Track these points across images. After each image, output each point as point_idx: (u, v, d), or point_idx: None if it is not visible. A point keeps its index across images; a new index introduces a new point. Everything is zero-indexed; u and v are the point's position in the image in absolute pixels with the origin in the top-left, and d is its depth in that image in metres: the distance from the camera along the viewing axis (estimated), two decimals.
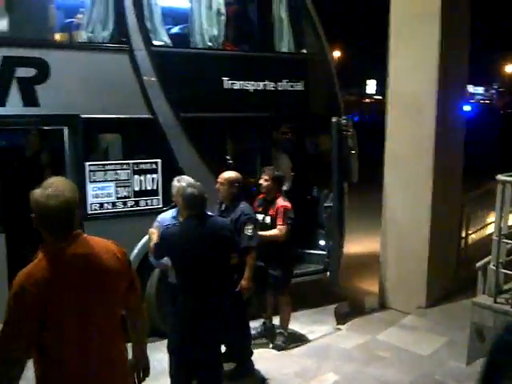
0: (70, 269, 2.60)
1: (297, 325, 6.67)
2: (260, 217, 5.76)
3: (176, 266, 4.26)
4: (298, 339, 6.29)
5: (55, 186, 2.59)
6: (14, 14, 5.49)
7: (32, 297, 2.53)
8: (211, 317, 4.12)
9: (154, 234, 4.67)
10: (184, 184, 4.76)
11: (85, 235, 2.71)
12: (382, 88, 35.30)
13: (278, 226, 5.70)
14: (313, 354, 5.91)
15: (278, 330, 6.21)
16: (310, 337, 6.39)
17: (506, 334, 1.63)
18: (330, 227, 6.80)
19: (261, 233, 5.48)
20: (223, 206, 5.47)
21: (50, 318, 2.57)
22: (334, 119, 6.44)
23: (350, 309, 7.08)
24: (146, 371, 3.07)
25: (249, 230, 5.15)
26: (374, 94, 37.31)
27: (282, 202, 5.79)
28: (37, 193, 2.57)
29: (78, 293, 2.62)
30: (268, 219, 5.77)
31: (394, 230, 6.98)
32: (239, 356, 5.42)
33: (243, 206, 5.31)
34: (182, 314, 4.15)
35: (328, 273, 6.95)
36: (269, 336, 6.22)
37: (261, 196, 5.97)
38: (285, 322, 6.18)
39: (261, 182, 5.86)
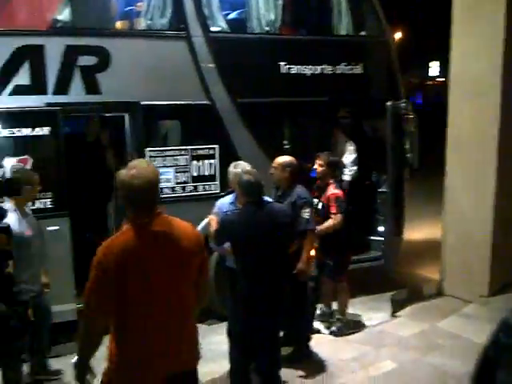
0: (150, 243, 2.75)
1: (354, 311, 6.63)
2: (316, 202, 5.73)
3: (236, 251, 4.28)
4: (356, 325, 6.24)
5: (138, 168, 2.76)
6: (76, 3, 5.64)
7: (113, 264, 2.67)
8: (270, 301, 4.14)
9: (213, 220, 4.75)
10: (240, 170, 4.78)
11: (165, 215, 2.84)
12: (445, 70, 34.29)
13: (332, 216, 5.65)
14: (370, 340, 5.86)
15: (336, 316, 6.19)
16: (367, 323, 6.33)
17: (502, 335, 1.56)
18: (385, 213, 6.68)
19: (318, 228, 5.45)
20: (280, 191, 5.47)
21: (129, 289, 2.70)
22: (389, 103, 6.29)
23: (408, 296, 6.96)
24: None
25: (306, 214, 5.11)
26: (438, 76, 36.20)
27: (332, 189, 5.71)
28: (122, 173, 2.77)
29: (157, 265, 2.75)
30: (320, 205, 5.73)
31: (456, 216, 6.78)
32: (297, 340, 5.44)
33: (300, 189, 5.26)
34: (242, 299, 4.18)
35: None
36: (326, 322, 6.21)
37: (318, 181, 5.92)
38: (342, 309, 6.15)
39: (315, 166, 5.81)
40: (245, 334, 4.19)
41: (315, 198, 5.75)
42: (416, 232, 7.95)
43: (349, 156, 7.05)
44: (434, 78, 36.05)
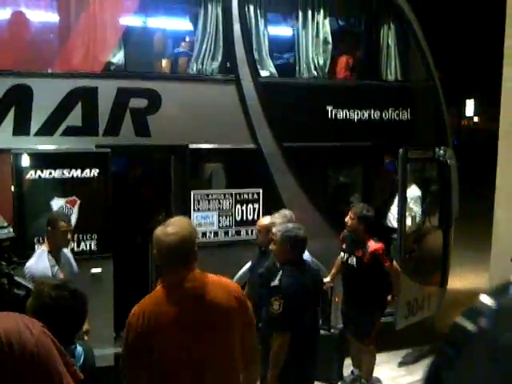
0: (179, 305, 2.65)
1: (395, 365, 6.41)
2: (343, 255, 5.57)
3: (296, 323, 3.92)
4: (397, 381, 6.03)
5: (175, 225, 2.73)
6: (129, 47, 5.72)
7: (140, 327, 2.61)
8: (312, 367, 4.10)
9: None
10: (285, 222, 4.68)
11: (200, 272, 2.74)
12: (480, 109, 33.83)
13: (395, 264, 5.55)
14: None
15: (361, 380, 5.77)
16: (409, 379, 6.09)
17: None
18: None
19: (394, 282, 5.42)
20: (262, 249, 5.24)
21: (153, 351, 2.61)
22: (400, 150, 6.09)
23: None
24: None
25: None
26: (474, 115, 35.69)
27: (374, 244, 5.43)
28: (158, 230, 2.73)
29: (185, 330, 2.62)
30: (354, 260, 5.46)
31: (505, 267, 6.55)
32: None
33: None
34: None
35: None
36: None
37: (346, 231, 5.65)
38: (368, 375, 5.77)
39: (346, 219, 5.53)
40: None
41: (343, 251, 5.60)
42: (462, 281, 7.70)
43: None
44: (469, 117, 35.64)
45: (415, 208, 6.69)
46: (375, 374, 5.88)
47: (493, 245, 6.76)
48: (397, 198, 6.86)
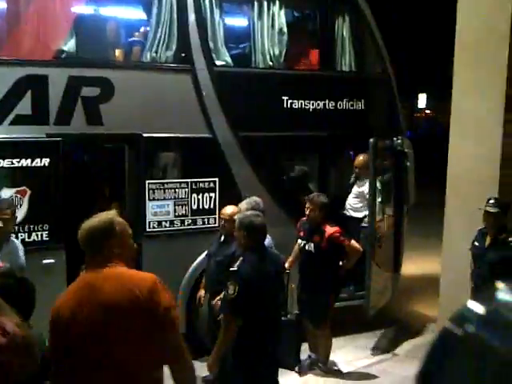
0: (76, 299, 2.58)
1: (352, 349, 6.53)
2: (300, 242, 5.65)
3: (251, 308, 3.90)
4: (353, 364, 6.14)
5: (98, 215, 2.70)
6: (81, 34, 5.59)
7: (51, 317, 2.60)
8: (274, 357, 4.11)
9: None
10: (245, 210, 4.73)
11: (110, 266, 2.59)
12: (432, 102, 34.69)
13: (353, 243, 5.64)
14: (369, 380, 5.75)
15: (319, 364, 5.92)
16: (365, 362, 6.23)
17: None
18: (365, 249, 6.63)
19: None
20: (222, 238, 5.36)
21: (55, 343, 2.59)
22: (371, 139, 6.16)
23: (407, 334, 6.89)
24: None
25: None
26: (425, 108, 36.67)
27: (330, 228, 5.54)
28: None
29: (78, 326, 2.53)
30: (312, 246, 5.54)
31: (455, 254, 6.71)
32: None
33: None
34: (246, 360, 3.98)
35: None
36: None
37: (304, 218, 5.72)
38: (325, 357, 5.90)
39: (307, 211, 5.58)
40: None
41: (300, 238, 5.67)
42: (413, 267, 7.88)
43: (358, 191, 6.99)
44: (422, 109, 36.59)
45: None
46: (332, 357, 5.98)
47: (444, 231, 6.94)
48: (354, 187, 7.00)
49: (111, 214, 2.74)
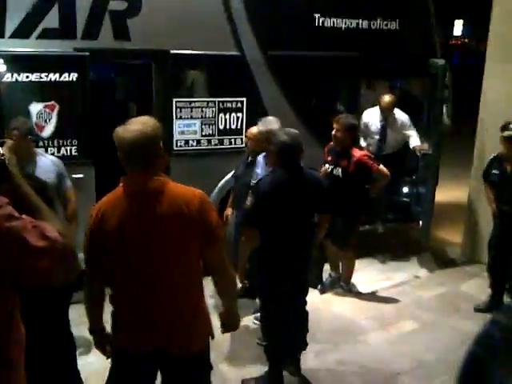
0: (124, 210, 2.58)
1: (375, 271, 6.64)
2: (328, 167, 5.57)
3: (269, 221, 3.92)
4: (375, 285, 6.24)
5: (136, 122, 2.58)
6: None
7: (93, 224, 2.62)
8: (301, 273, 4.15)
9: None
10: (274, 128, 4.67)
11: (161, 179, 2.59)
12: (469, 30, 33.26)
13: (382, 168, 5.54)
14: (391, 300, 5.87)
15: (340, 283, 6.06)
16: (387, 283, 6.33)
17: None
18: (426, 176, 6.53)
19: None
20: (249, 159, 5.35)
21: (109, 252, 2.62)
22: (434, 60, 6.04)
23: (431, 259, 6.95)
24: (231, 328, 3.03)
25: None
26: (461, 36, 35.23)
27: (358, 152, 5.46)
28: (119, 127, 2.59)
29: (126, 237, 2.57)
30: (339, 171, 5.47)
31: (481, 187, 6.60)
32: None
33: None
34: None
35: (420, 223, 6.80)
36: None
37: (332, 143, 5.62)
38: (347, 278, 6.01)
39: (333, 132, 5.47)
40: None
41: (328, 163, 5.59)
42: (442, 194, 7.80)
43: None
44: (458, 37, 35.14)
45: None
46: (353, 279, 6.08)
47: (474, 159, 6.85)
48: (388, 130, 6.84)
49: (152, 121, 2.62)
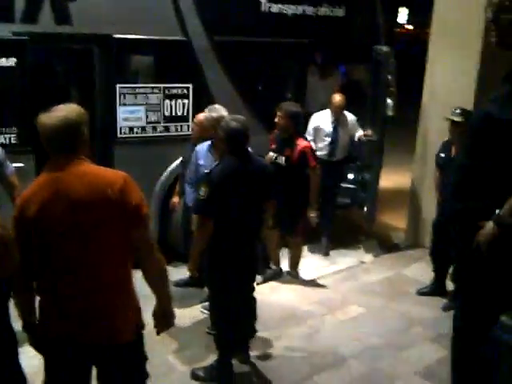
0: (44, 197, 2.52)
1: (320, 257, 6.72)
2: (272, 155, 5.55)
3: (225, 210, 3.88)
4: (321, 270, 6.32)
5: (60, 109, 2.57)
6: None
7: (16, 212, 2.58)
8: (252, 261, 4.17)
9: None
10: (221, 115, 4.63)
11: (84, 163, 2.58)
12: (414, 17, 33.86)
13: (312, 168, 5.53)
14: (337, 286, 5.95)
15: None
16: (333, 268, 6.42)
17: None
18: (370, 162, 6.61)
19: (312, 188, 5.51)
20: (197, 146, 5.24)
21: (28, 238, 2.56)
22: (377, 46, 6.08)
23: (375, 244, 7.10)
24: (165, 327, 2.89)
25: None
26: (406, 24, 35.82)
27: (302, 142, 5.49)
28: (43, 114, 2.57)
29: (46, 223, 2.53)
30: (282, 159, 5.48)
31: (424, 172, 6.77)
32: None
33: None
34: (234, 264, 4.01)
35: (365, 208, 6.93)
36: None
37: (276, 130, 5.63)
38: (294, 266, 6.05)
39: (276, 119, 5.48)
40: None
41: (273, 151, 5.59)
42: (386, 180, 7.96)
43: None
44: (402, 25, 35.68)
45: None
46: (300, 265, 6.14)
47: (417, 145, 7.00)
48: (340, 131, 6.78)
49: (77, 108, 2.61)
